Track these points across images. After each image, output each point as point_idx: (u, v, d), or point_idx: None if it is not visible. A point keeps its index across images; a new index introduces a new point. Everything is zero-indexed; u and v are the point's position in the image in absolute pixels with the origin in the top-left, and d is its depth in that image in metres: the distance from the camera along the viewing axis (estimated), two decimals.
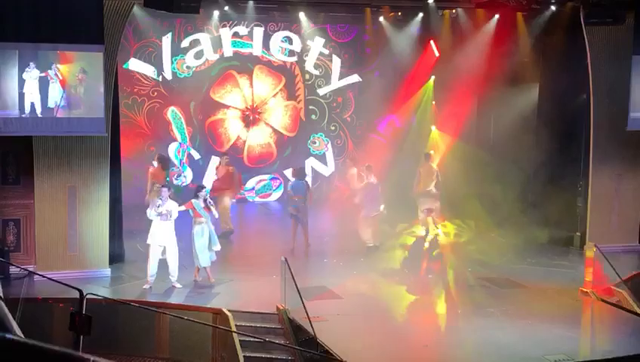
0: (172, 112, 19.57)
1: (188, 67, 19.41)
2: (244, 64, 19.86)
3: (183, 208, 12.52)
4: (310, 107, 20.66)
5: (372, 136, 20.37)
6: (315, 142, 20.71)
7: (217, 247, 12.56)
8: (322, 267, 13.99)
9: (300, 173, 15.39)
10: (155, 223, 12.19)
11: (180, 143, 19.61)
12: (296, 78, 20.36)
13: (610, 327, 11.30)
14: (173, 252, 12.28)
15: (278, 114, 20.46)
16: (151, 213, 12.16)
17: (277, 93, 20.30)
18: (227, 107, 19.99)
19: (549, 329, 10.68)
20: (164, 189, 12.32)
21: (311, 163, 20.58)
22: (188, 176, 19.65)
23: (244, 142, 20.28)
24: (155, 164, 15.42)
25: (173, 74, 19.34)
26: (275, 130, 20.46)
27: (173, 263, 12.31)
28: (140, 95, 19.15)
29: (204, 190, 12.78)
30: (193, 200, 12.51)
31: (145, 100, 19.28)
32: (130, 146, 18.06)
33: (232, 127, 20.17)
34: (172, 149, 19.51)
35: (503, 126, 17.33)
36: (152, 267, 12.21)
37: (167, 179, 15.85)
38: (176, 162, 19.37)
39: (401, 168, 17.36)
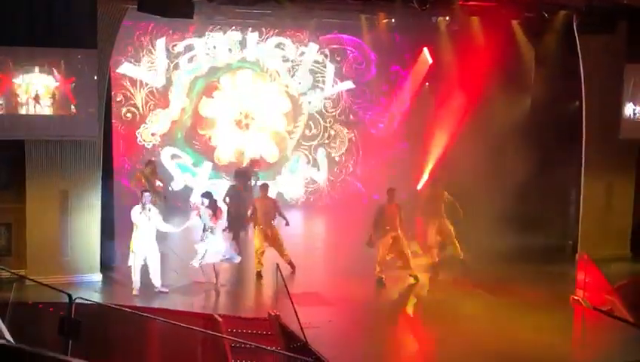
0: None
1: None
2: (235, 69, 19.86)
3: (192, 220, 12.59)
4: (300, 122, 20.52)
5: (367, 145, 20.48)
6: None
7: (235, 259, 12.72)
8: (315, 273, 14.07)
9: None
10: (137, 230, 12.18)
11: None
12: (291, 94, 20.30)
13: (603, 336, 11.19)
14: (153, 258, 12.26)
15: (268, 128, 20.30)
16: (135, 216, 12.17)
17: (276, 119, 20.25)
18: (217, 117, 19.90)
19: (540, 338, 10.70)
20: (147, 194, 12.31)
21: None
22: (179, 181, 19.51)
23: (233, 146, 20.06)
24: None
25: (168, 79, 19.34)
26: (265, 140, 20.26)
27: (155, 270, 12.28)
28: (131, 100, 19.13)
29: (209, 197, 12.68)
30: (201, 207, 12.57)
31: (137, 105, 19.26)
32: (124, 150, 18.20)
33: (224, 131, 19.96)
34: (166, 154, 19.43)
35: (495, 133, 17.26)
36: (136, 274, 12.25)
37: (160, 183, 15.79)
38: (170, 166, 19.31)
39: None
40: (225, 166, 19.59)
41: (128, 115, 19.16)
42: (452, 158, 18.20)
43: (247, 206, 14.39)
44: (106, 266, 13.33)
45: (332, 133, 20.70)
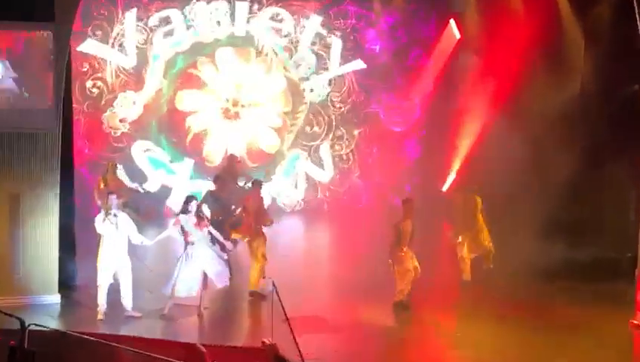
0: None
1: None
2: (221, 46, 19.99)
3: (169, 230, 12.59)
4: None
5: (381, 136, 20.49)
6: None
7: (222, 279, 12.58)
8: (318, 292, 14.04)
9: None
10: (105, 241, 12.16)
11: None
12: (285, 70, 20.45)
13: None
14: (124, 276, 12.24)
15: (263, 122, 20.40)
16: (99, 226, 12.15)
17: (272, 96, 20.30)
18: (207, 86, 19.95)
19: None
20: (113, 196, 12.32)
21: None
22: (154, 181, 19.60)
23: (213, 135, 20.02)
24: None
25: (140, 58, 19.39)
26: (251, 133, 20.33)
27: (126, 290, 12.26)
28: (99, 71, 19.24)
29: (193, 202, 12.63)
30: (181, 216, 12.46)
31: (104, 90, 19.34)
32: (88, 146, 18.41)
33: (204, 113, 20.04)
34: (138, 148, 19.46)
35: (536, 123, 17.27)
36: (102, 295, 12.21)
37: (133, 185, 16.08)
38: (142, 163, 19.47)
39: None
40: (211, 164, 19.71)
41: (94, 90, 19.21)
42: (484, 154, 18.25)
43: (230, 216, 14.40)
44: (65, 285, 13.28)
45: (339, 133, 20.82)
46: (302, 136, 20.68)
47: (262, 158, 20.32)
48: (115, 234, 12.09)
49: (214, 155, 20.05)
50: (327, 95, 20.70)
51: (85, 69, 18.89)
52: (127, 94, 19.39)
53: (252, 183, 14.48)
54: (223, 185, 14.86)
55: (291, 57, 20.35)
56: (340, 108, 20.83)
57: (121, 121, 19.33)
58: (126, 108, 19.34)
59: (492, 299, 13.73)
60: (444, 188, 18.75)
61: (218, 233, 12.87)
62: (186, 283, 12.25)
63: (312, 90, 20.62)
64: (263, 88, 20.34)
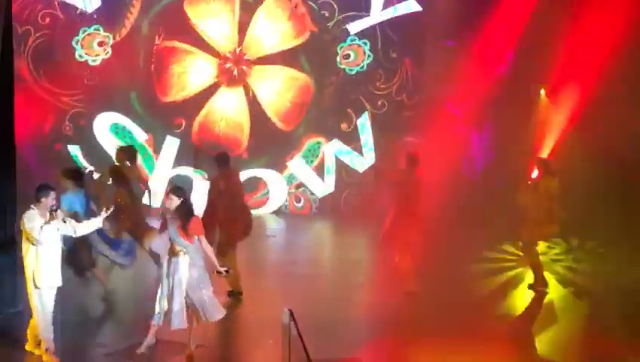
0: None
1: None
2: None
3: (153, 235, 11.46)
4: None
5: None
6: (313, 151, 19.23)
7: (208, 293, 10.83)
8: (349, 326, 12.48)
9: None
10: (43, 253, 10.39)
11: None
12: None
13: None
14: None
15: (276, 85, 18.73)
16: (35, 231, 10.35)
17: (287, 50, 18.73)
18: (201, 37, 18.34)
19: None
20: (51, 192, 10.67)
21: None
22: None
23: (205, 103, 18.53)
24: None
25: None
26: (259, 108, 18.72)
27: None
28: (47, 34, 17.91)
29: (182, 195, 10.90)
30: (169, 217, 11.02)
31: (60, 44, 17.96)
32: (33, 122, 17.32)
33: (196, 71, 18.49)
34: (102, 123, 18.14)
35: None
36: (47, 323, 10.47)
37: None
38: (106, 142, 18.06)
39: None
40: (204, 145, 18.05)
41: (47, 18, 17.89)
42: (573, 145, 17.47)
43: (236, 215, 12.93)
44: (3, 309, 12.10)
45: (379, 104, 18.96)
46: (329, 111, 19.06)
47: (274, 137, 18.82)
48: (56, 240, 10.47)
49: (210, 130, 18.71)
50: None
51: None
52: (91, 30, 17.97)
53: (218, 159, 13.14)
54: (225, 174, 13.13)
55: None
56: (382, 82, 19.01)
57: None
58: (89, 57, 17.99)
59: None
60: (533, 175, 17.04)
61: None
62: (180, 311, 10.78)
63: (338, 49, 18.74)
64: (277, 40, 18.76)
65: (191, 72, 18.43)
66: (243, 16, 18.38)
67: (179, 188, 10.99)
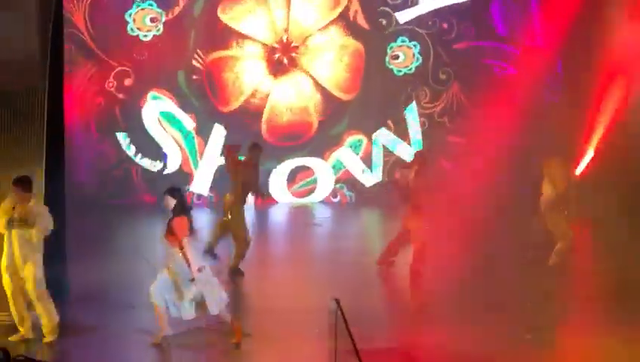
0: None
1: None
2: None
3: None
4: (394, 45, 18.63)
5: None
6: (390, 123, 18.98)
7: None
8: (401, 319, 12.35)
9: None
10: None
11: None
12: None
13: None
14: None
15: (328, 59, 18.64)
16: None
17: (329, 23, 18.57)
18: (243, 37, 18.32)
19: None
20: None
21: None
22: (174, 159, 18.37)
23: (266, 100, 18.52)
24: None
25: None
26: (318, 86, 18.67)
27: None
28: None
29: (177, 196, 10.97)
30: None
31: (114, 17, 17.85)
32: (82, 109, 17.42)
33: (249, 72, 18.44)
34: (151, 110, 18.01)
35: None
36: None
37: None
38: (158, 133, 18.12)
39: None
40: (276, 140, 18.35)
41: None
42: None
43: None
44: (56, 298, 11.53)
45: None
46: (380, 82, 18.71)
47: (305, 128, 18.61)
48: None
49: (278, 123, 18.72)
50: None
51: None
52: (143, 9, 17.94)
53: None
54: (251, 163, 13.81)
55: None
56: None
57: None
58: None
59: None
60: (578, 171, 16.79)
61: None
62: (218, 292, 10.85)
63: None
64: (330, 34, 18.56)
65: (244, 75, 18.47)
66: (278, 4, 18.31)
67: (175, 189, 11.16)
